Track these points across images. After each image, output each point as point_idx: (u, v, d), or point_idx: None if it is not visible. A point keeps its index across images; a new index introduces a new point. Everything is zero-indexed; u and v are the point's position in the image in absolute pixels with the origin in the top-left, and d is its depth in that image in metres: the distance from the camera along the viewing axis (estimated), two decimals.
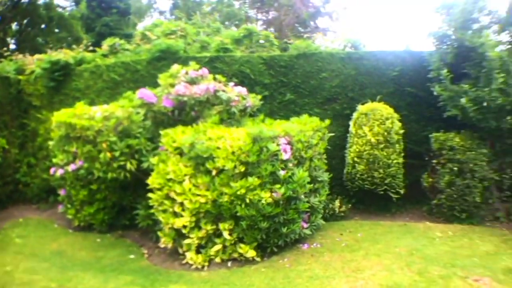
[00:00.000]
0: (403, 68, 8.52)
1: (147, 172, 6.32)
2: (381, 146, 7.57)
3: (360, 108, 8.01)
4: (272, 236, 5.87)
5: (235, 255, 5.81)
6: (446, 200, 7.49)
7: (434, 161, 7.74)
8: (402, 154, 7.77)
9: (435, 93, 7.64)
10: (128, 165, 6.50)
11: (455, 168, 7.36)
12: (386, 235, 6.75)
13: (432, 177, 7.86)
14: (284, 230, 5.81)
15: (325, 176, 6.93)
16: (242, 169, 5.68)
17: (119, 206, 7.66)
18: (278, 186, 5.69)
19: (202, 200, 5.68)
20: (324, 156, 7.23)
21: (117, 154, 6.42)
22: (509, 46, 7.30)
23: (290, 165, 5.95)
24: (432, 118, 8.35)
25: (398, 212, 8.17)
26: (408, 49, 8.69)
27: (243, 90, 7.33)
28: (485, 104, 6.99)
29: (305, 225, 6.36)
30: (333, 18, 23.95)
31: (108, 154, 6.41)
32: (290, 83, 8.69)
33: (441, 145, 7.58)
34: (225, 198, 5.60)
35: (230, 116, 7.06)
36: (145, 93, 6.77)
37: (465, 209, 7.35)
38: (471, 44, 7.18)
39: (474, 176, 7.27)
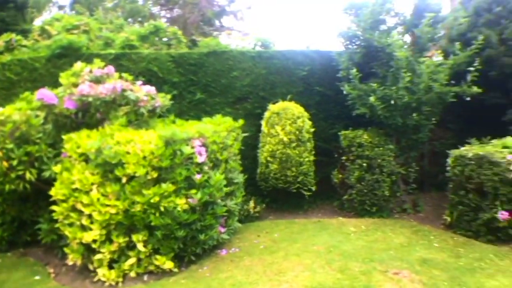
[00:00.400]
0: (312, 67, 8.68)
1: (50, 182, 5.75)
2: (293, 145, 7.63)
3: (272, 107, 8.00)
4: (190, 244, 5.60)
5: (151, 267, 5.45)
6: (356, 195, 7.74)
7: (344, 157, 7.96)
8: (313, 152, 7.90)
9: (344, 92, 7.83)
10: (28, 175, 5.87)
11: (364, 164, 7.63)
12: (303, 233, 6.80)
13: (341, 173, 8.09)
14: (202, 237, 5.58)
15: (241, 178, 6.82)
16: (155, 175, 5.36)
17: (19, 221, 6.87)
18: (194, 191, 5.44)
19: (113, 210, 5.26)
20: (239, 157, 7.12)
21: (14, 163, 5.77)
22: (413, 47, 7.66)
23: (206, 168, 5.72)
24: (339, 116, 8.60)
25: (310, 209, 8.33)
26: (317, 49, 8.85)
27: (151, 89, 6.93)
28: (392, 102, 7.29)
29: (223, 230, 6.17)
30: (238, 17, 23.96)
31: (5, 163, 5.75)
32: (200, 82, 8.46)
33: (350, 142, 7.81)
34: (138, 207, 5.24)
35: (138, 118, 6.63)
36: (45, 94, 6.16)
37: (375, 203, 7.65)
38: (379, 45, 7.44)
39: (383, 171, 7.59)
